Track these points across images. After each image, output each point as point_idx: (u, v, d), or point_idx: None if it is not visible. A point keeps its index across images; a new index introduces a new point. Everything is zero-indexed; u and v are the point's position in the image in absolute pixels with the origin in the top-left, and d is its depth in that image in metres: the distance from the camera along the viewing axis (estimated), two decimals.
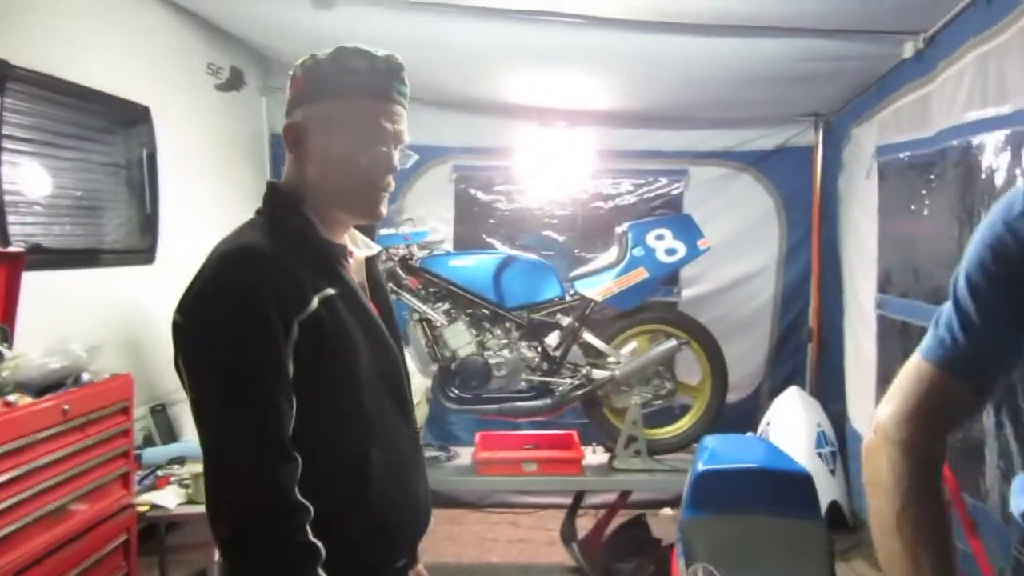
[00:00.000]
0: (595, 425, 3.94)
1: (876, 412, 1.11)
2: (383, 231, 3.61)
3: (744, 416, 4.55)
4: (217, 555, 2.70)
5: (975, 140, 2.99)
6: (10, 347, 2.24)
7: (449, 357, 3.69)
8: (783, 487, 2.16)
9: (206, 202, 3.78)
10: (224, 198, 3.99)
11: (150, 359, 3.20)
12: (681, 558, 2.11)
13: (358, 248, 1.50)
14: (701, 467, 2.21)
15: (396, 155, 1.39)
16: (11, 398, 2.06)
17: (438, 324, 3.70)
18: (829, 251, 4.55)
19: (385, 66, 1.35)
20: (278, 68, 4.35)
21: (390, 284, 3.53)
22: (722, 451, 2.34)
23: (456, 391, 3.74)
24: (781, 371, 4.72)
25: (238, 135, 4.25)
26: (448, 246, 4.48)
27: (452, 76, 4.03)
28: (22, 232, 2.65)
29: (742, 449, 2.48)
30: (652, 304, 4.03)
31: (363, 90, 1.34)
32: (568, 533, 4.07)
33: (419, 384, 3.64)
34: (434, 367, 3.77)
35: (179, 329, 1.27)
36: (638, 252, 3.79)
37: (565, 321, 3.82)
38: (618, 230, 3.93)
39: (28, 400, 2.09)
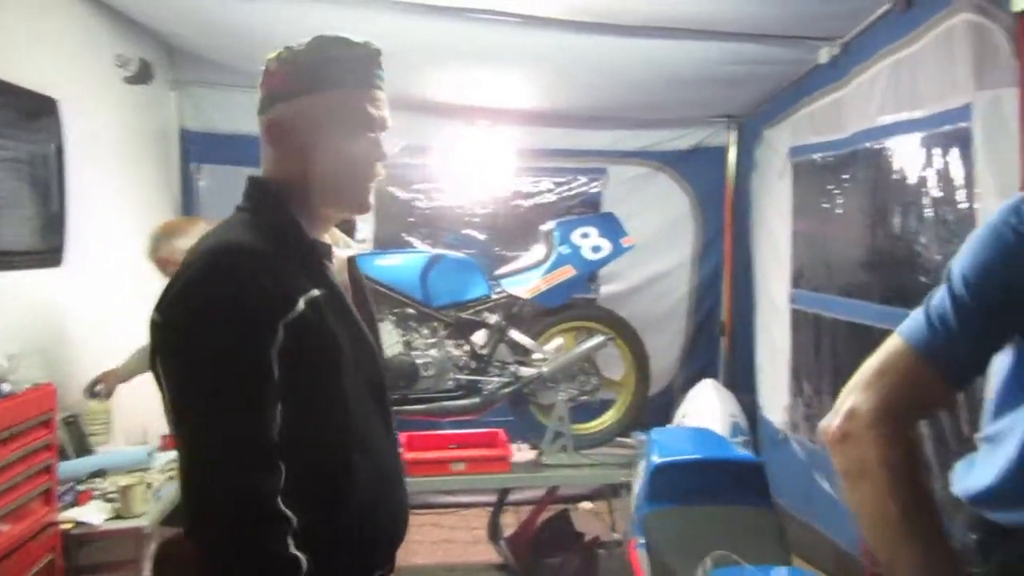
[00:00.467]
0: (522, 422, 3.95)
1: (850, 400, 1.13)
2: None
3: (660, 409, 4.65)
4: (147, 572, 2.59)
5: (888, 142, 3.16)
6: None
7: None
8: (737, 476, 2.23)
9: (115, 200, 3.59)
10: (133, 196, 3.80)
11: (60, 367, 3.01)
12: (642, 549, 2.14)
13: (339, 247, 1.46)
14: (657, 460, 2.24)
15: (384, 142, 1.36)
16: None
17: None
18: (741, 248, 4.70)
19: (364, 52, 1.33)
20: (190, 61, 4.18)
21: None
22: (674, 443, 2.39)
23: None
24: (695, 364, 4.85)
25: (147, 130, 4.04)
26: (369, 246, 4.41)
27: None
28: None
29: (692, 441, 2.55)
30: (577, 301, 4.07)
31: (347, 80, 1.30)
32: (494, 531, 4.08)
33: None
34: None
35: (159, 329, 1.21)
36: (564, 250, 3.83)
37: (492, 319, 3.82)
38: (544, 228, 3.96)
39: None
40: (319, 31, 1.33)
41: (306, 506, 1.20)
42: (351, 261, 1.48)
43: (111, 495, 2.64)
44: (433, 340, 3.72)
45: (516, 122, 4.55)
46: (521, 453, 3.95)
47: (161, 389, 1.22)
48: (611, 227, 3.93)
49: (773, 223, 4.24)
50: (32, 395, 2.24)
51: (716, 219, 4.78)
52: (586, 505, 4.67)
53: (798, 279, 4.01)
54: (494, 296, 3.83)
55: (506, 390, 3.77)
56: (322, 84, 1.29)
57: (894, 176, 3.13)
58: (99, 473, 2.80)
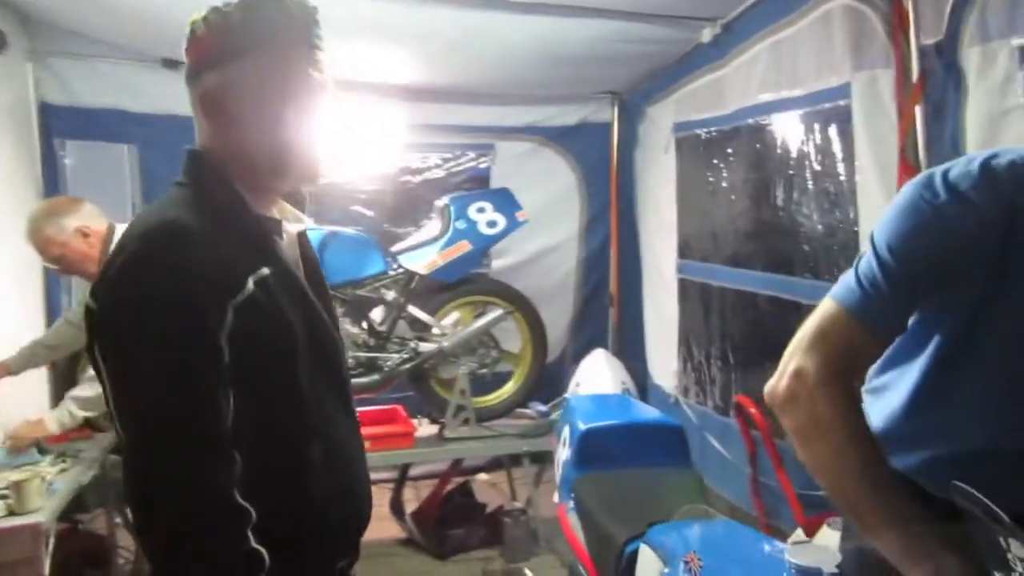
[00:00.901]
0: (422, 397, 3.97)
1: (794, 362, 1.21)
2: None
3: (553, 379, 4.77)
4: (47, 568, 2.46)
5: (769, 119, 3.35)
6: None
7: None
8: (660, 438, 2.34)
9: None
10: None
11: None
12: (573, 513, 2.22)
13: (289, 221, 1.37)
14: (583, 426, 2.32)
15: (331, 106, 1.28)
16: None
17: None
18: (627, 221, 4.86)
19: (300, 10, 1.24)
20: (48, 31, 3.87)
21: None
22: (594, 410, 2.48)
23: None
24: (585, 335, 4.98)
25: (1, 105, 3.75)
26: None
27: None
28: None
29: (612, 407, 2.64)
30: (472, 276, 4.11)
31: (284, 40, 1.22)
32: (398, 506, 4.09)
33: None
34: None
35: (95, 316, 1.13)
36: (461, 225, 3.86)
37: (390, 296, 3.81)
38: (439, 203, 3.97)
39: None
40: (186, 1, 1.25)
41: (264, 498, 1.13)
42: (302, 236, 1.41)
43: (2, 492, 2.49)
44: None
45: (403, 98, 4.50)
46: (423, 428, 3.97)
47: (101, 381, 1.14)
48: (506, 202, 3.98)
49: (659, 197, 4.40)
50: None
51: (602, 193, 4.91)
52: (483, 476, 4.75)
53: (685, 250, 4.20)
54: (391, 272, 3.82)
55: (406, 366, 3.77)
56: (257, 47, 1.21)
57: (776, 151, 3.33)
58: None
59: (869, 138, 2.69)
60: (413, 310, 3.83)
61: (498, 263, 4.80)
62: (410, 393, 4.02)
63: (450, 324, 3.92)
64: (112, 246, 3.09)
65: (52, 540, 2.52)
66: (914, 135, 2.47)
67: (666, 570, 1.53)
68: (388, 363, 3.76)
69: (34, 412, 3.03)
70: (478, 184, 4.79)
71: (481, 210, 3.91)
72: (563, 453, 2.41)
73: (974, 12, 2.24)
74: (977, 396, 1.28)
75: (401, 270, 3.81)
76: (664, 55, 4.00)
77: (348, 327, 3.70)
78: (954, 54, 2.33)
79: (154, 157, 4.00)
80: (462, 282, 3.94)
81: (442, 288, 3.92)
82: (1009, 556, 1.10)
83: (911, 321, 1.27)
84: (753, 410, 3.22)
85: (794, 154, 3.21)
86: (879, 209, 2.64)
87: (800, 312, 3.22)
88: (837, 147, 2.93)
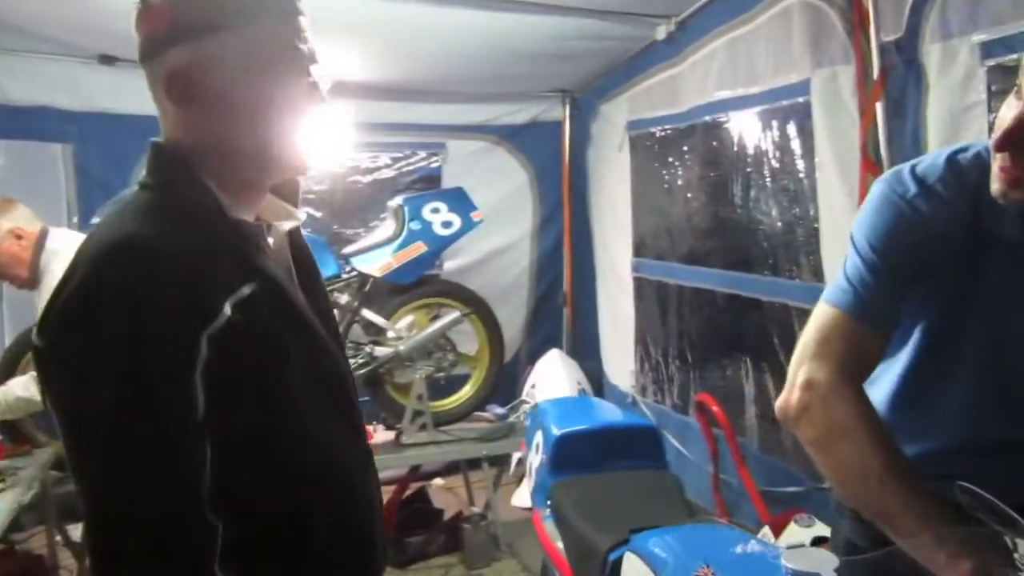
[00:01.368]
0: (378, 403, 3.88)
1: (803, 373, 1.20)
2: None
3: (508, 380, 4.72)
4: None
5: (726, 116, 3.36)
6: None
7: None
8: (635, 441, 2.30)
9: None
10: None
11: None
12: (550, 521, 2.17)
13: (279, 220, 1.17)
14: (557, 431, 2.27)
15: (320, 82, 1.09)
16: None
17: None
18: (580, 220, 4.83)
19: None
20: None
21: None
22: (567, 414, 2.43)
23: None
24: (539, 335, 4.95)
25: None
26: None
27: None
28: None
29: (584, 411, 2.60)
30: (428, 278, 4.03)
31: (269, 8, 1.04)
32: None
33: None
34: None
35: (44, 356, 0.95)
36: (415, 226, 3.77)
37: (343, 299, 3.71)
38: (392, 204, 3.88)
39: None
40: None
41: (252, 568, 0.99)
42: (295, 234, 1.20)
43: None
44: None
45: (352, 95, 4.39)
46: (379, 435, 3.88)
47: (58, 427, 0.96)
48: (461, 202, 3.91)
49: (613, 195, 4.39)
50: None
51: (554, 192, 4.87)
52: (439, 481, 4.67)
53: (640, 248, 4.19)
54: (344, 276, 3.72)
55: (362, 371, 3.67)
56: (238, 16, 1.02)
57: (734, 148, 3.34)
58: None
59: (829, 135, 2.70)
60: (367, 314, 3.74)
61: (450, 264, 4.73)
62: (365, 399, 3.91)
63: (405, 327, 3.83)
64: (44, 251, 2.92)
65: None
66: (875, 131, 2.49)
67: None
68: None
69: None
70: (429, 184, 4.71)
71: (436, 210, 3.83)
72: (536, 459, 2.36)
73: (935, 9, 2.27)
74: (957, 390, 1.29)
75: (354, 273, 3.71)
76: (618, 53, 3.99)
77: None
78: (915, 51, 2.35)
79: (91, 157, 3.83)
80: (417, 284, 3.86)
81: (397, 291, 3.84)
82: (1016, 556, 1.09)
83: None
84: (715, 408, 3.22)
85: (752, 151, 3.22)
86: (840, 205, 2.67)
87: (761, 309, 3.24)
88: (796, 144, 2.95)
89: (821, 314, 1.25)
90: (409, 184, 4.76)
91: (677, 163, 3.86)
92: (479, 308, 3.98)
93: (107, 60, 3.64)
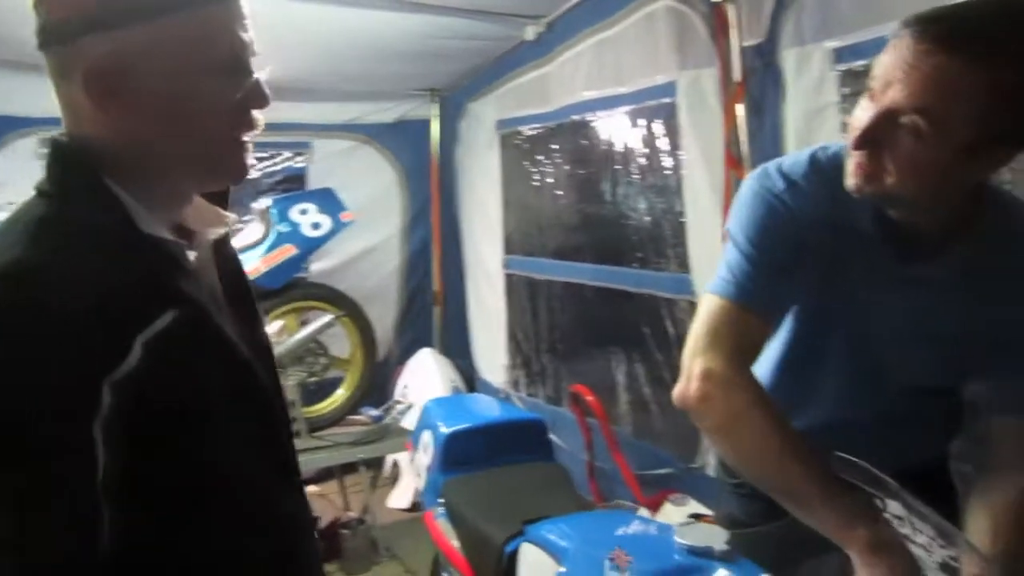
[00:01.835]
0: None
1: (698, 363, 1.25)
2: None
3: (380, 382, 4.67)
4: None
5: (595, 116, 3.45)
6: None
7: None
8: (523, 435, 2.33)
9: None
10: None
11: None
12: (443, 519, 2.16)
13: (206, 226, 1.02)
14: (446, 430, 2.26)
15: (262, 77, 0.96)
16: None
17: None
18: (449, 219, 4.83)
19: None
20: None
21: None
22: (454, 413, 2.43)
23: None
24: (409, 335, 4.91)
25: None
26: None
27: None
28: None
29: (471, 408, 2.60)
30: (297, 281, 3.92)
31: None
32: None
33: None
34: None
35: None
36: (284, 228, 3.67)
37: None
38: (258, 206, 3.76)
39: None
40: None
41: None
42: (221, 246, 1.05)
43: None
44: None
45: None
46: None
47: None
48: (330, 202, 3.84)
49: (483, 194, 4.41)
50: None
51: (423, 191, 4.85)
52: (313, 488, 4.55)
53: (511, 245, 4.24)
54: None
55: None
56: (173, 5, 0.88)
57: (603, 147, 3.44)
58: None
59: (694, 133, 2.83)
60: None
61: (317, 266, 4.61)
62: None
63: (275, 333, 3.72)
64: None
65: None
66: (737, 131, 2.62)
67: (561, 569, 1.51)
68: None
69: None
70: (294, 184, 4.59)
71: (304, 211, 3.74)
72: (425, 458, 2.35)
73: (791, 17, 2.42)
74: (829, 370, 1.39)
75: None
76: (487, 52, 4.01)
77: None
78: (773, 55, 2.50)
79: None
80: (286, 288, 3.76)
81: (265, 295, 3.71)
82: (886, 516, 1.19)
83: None
84: (590, 398, 3.31)
85: (621, 149, 3.33)
86: (704, 200, 2.80)
87: (631, 301, 3.35)
88: (663, 142, 3.07)
89: (709, 305, 1.31)
90: (273, 185, 4.62)
91: (547, 161, 3.93)
92: (351, 310, 3.92)
93: None
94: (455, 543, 2.05)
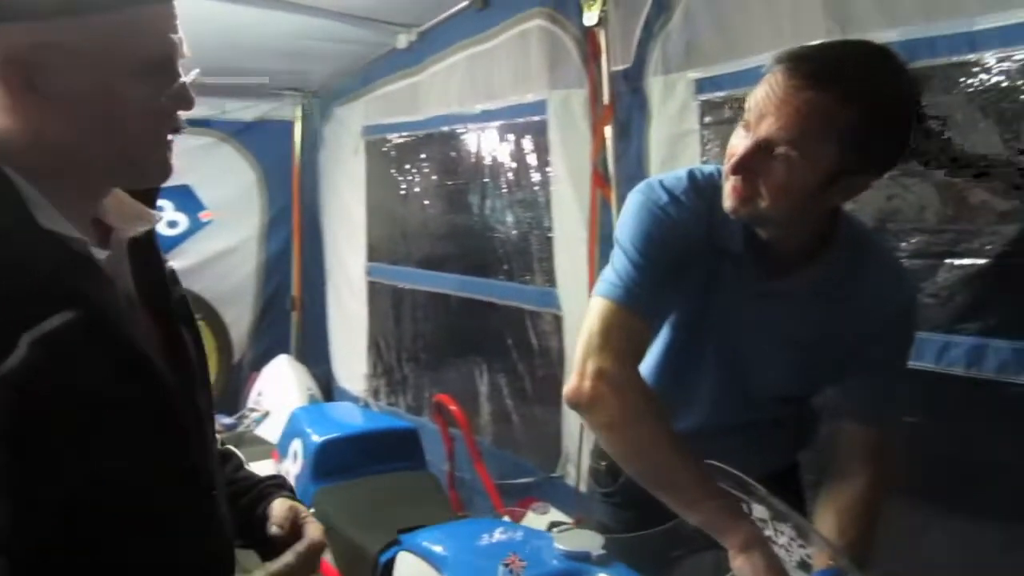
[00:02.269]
0: None
1: (591, 364, 1.31)
2: None
3: (233, 388, 4.52)
4: None
5: (466, 128, 3.49)
6: None
7: None
8: (396, 444, 2.31)
9: None
10: None
11: None
12: None
13: (126, 223, 0.99)
14: (318, 438, 2.22)
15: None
16: None
17: None
18: (310, 223, 4.74)
19: None
20: None
21: None
22: (325, 421, 2.38)
23: None
24: (265, 341, 4.77)
25: None
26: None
27: None
28: None
29: (341, 417, 2.56)
30: None
31: None
32: None
33: None
34: None
35: None
36: None
37: None
38: None
39: None
40: None
41: None
42: (142, 244, 1.01)
43: None
44: None
45: None
46: None
47: None
48: (187, 201, 3.70)
49: (346, 199, 4.36)
50: None
51: (284, 194, 4.73)
52: None
53: (374, 253, 4.21)
54: None
55: None
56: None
57: (472, 159, 3.48)
58: None
59: (563, 151, 2.92)
60: None
61: (172, 266, 4.41)
62: None
63: None
64: None
65: None
66: (605, 151, 2.73)
67: None
68: None
69: None
70: None
71: (159, 209, 3.56)
72: (294, 467, 2.30)
73: (657, 46, 2.54)
74: (701, 378, 1.50)
75: None
76: (357, 57, 3.97)
77: None
78: (640, 81, 2.62)
79: None
80: None
81: None
82: (753, 517, 1.30)
83: None
84: (453, 408, 3.33)
85: (491, 162, 3.38)
86: (572, 216, 2.90)
87: (496, 312, 3.40)
88: (533, 158, 3.14)
89: (598, 308, 1.37)
90: None
91: (415, 170, 3.93)
92: (206, 314, 3.79)
93: None
94: (327, 555, 2.02)
